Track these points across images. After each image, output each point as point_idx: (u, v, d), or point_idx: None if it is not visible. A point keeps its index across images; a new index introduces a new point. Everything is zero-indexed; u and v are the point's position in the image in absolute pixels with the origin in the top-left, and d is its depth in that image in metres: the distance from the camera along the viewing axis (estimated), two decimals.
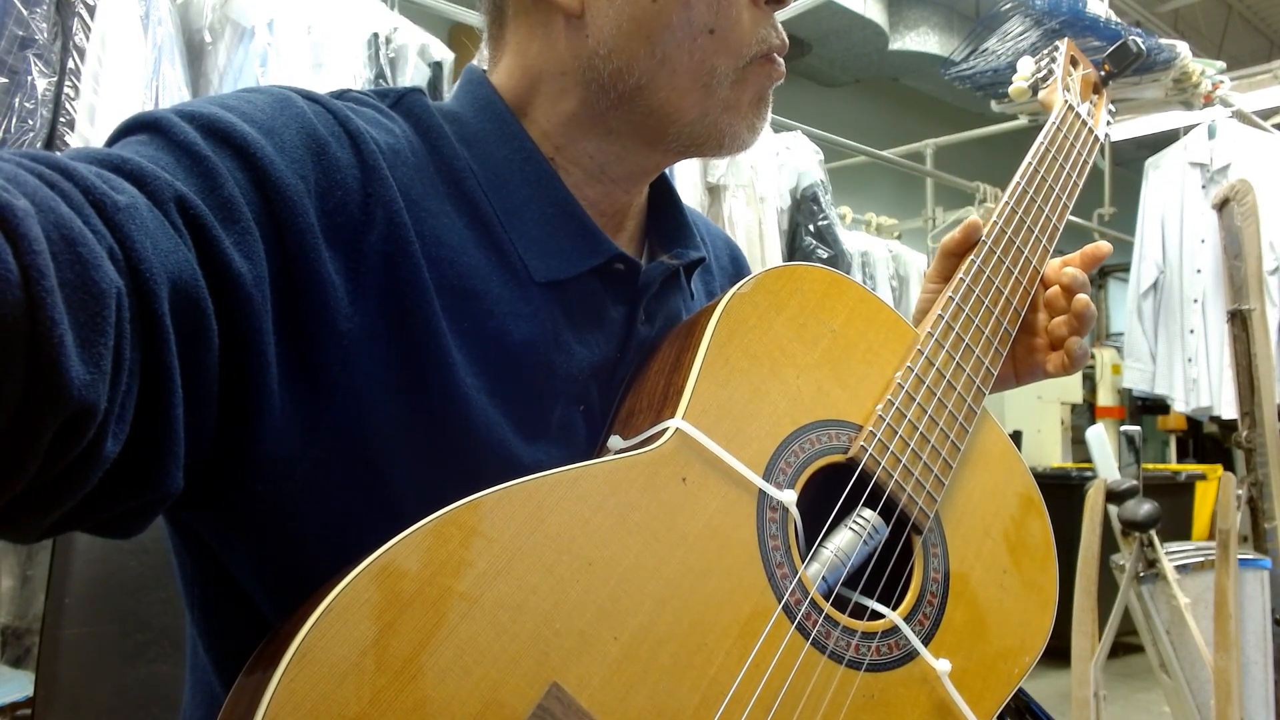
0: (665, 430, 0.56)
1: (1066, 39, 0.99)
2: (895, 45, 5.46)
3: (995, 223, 0.79)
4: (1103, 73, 0.99)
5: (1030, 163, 0.84)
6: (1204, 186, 3.51)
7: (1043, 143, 0.86)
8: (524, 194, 0.64)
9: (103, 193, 0.40)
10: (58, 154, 0.41)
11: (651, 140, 0.66)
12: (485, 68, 0.72)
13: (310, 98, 0.58)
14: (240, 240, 0.48)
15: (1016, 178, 0.82)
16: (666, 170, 0.74)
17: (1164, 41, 3.11)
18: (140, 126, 0.51)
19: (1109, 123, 0.97)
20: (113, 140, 0.51)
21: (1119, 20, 3.07)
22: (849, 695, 0.56)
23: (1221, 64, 3.31)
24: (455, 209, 0.61)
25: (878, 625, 0.60)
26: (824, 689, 0.55)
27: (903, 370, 0.68)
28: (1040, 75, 0.97)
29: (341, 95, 0.61)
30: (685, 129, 0.64)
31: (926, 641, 0.61)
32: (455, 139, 0.64)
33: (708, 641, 0.52)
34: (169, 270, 0.42)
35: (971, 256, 0.76)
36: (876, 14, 5.21)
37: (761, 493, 0.57)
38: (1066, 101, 0.91)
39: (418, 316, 0.56)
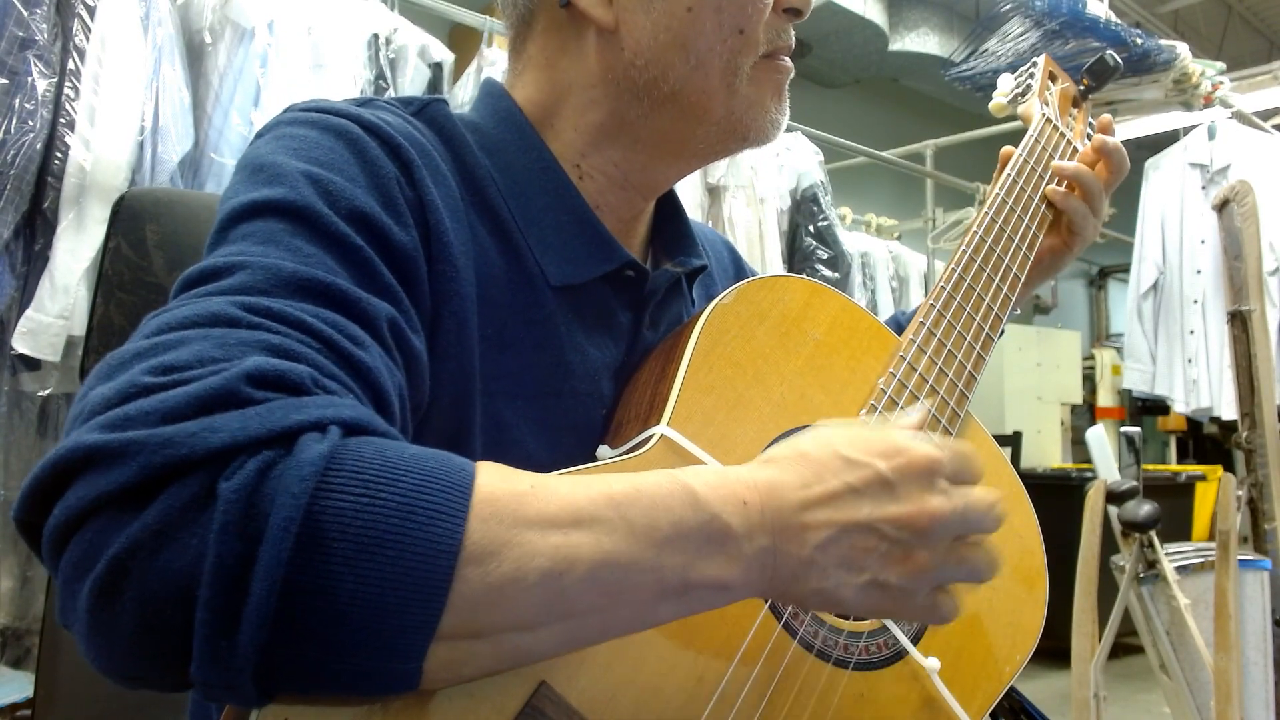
0: (651, 437, 0.57)
1: (1045, 55, 1.00)
2: (895, 46, 5.46)
3: (975, 232, 0.80)
4: (1081, 86, 1.00)
5: (1009, 174, 0.86)
6: (1204, 187, 3.51)
7: (1021, 155, 0.88)
8: (542, 202, 0.66)
9: (350, 351, 0.47)
10: (278, 305, 0.47)
11: (677, 147, 0.69)
12: (501, 77, 0.74)
13: (367, 126, 0.59)
14: (411, 322, 0.54)
15: (995, 189, 0.84)
16: None
17: (1164, 42, 3.10)
18: (280, 212, 0.52)
19: (1089, 135, 0.98)
20: (243, 215, 0.52)
21: (1119, 21, 3.06)
22: (837, 693, 0.57)
23: (1221, 65, 3.30)
24: (478, 215, 0.63)
25: (865, 624, 0.60)
26: (811, 687, 0.55)
27: (885, 375, 0.68)
28: (1019, 90, 0.98)
29: (367, 104, 0.62)
30: (712, 129, 0.67)
31: (915, 640, 0.62)
32: (477, 148, 0.66)
33: (695, 641, 0.52)
34: (397, 389, 0.51)
35: (952, 265, 0.77)
36: (876, 15, 5.21)
37: None
38: (1044, 115, 0.92)
39: (453, 320, 0.58)
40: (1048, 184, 0.88)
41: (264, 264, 0.48)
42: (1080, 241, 0.90)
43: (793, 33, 0.70)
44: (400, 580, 0.38)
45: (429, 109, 0.66)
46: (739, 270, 0.91)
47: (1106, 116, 0.93)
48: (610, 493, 0.44)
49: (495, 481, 0.42)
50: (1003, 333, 0.79)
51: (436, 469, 0.41)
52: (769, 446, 0.61)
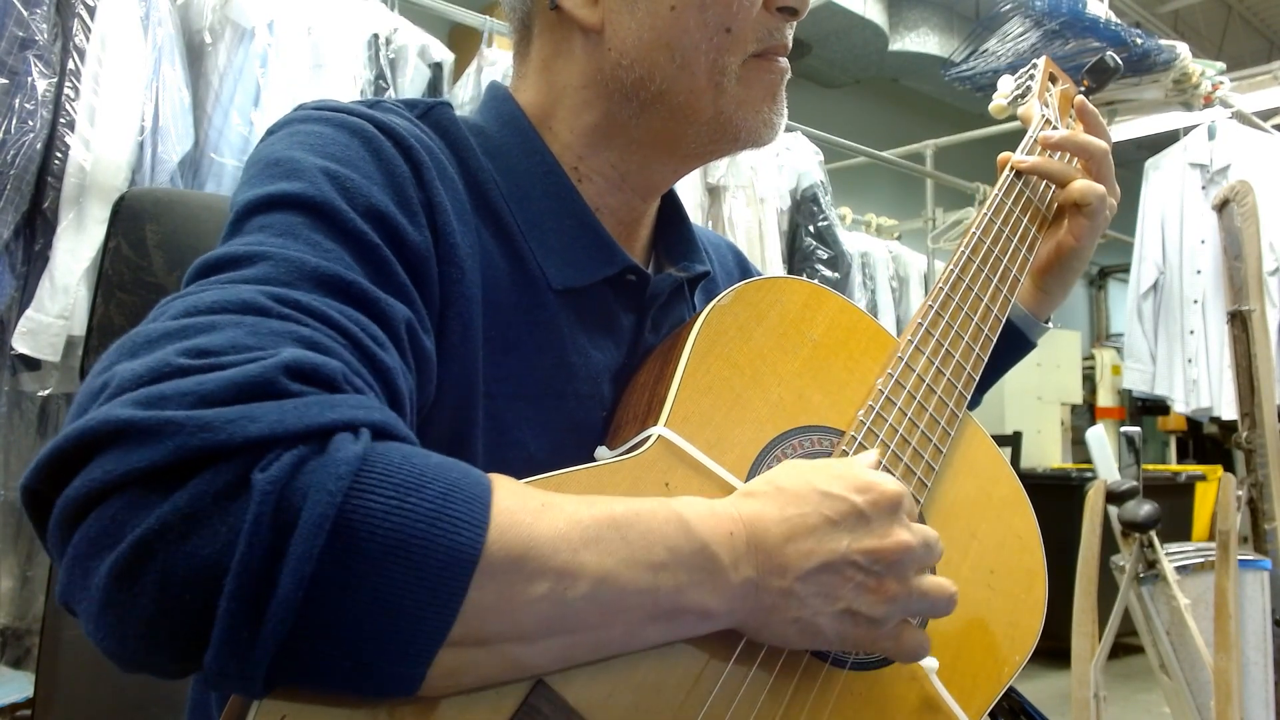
0: (649, 438, 0.57)
1: (1045, 56, 1.00)
2: (895, 46, 5.46)
3: (974, 233, 0.80)
4: (1082, 88, 1.00)
5: (1007, 176, 0.86)
6: (1204, 187, 3.51)
7: (1019, 157, 0.88)
8: (544, 205, 0.66)
9: (374, 352, 0.48)
10: (303, 298, 0.47)
11: (671, 147, 0.69)
12: (508, 80, 0.75)
13: (380, 126, 0.59)
14: (423, 322, 0.55)
15: (994, 191, 0.84)
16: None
17: (1164, 42, 3.11)
18: (299, 206, 0.52)
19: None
20: (261, 207, 0.52)
21: (1119, 21, 3.06)
22: (834, 693, 0.57)
23: (1221, 65, 3.30)
24: (481, 219, 0.63)
25: None
26: (809, 686, 0.56)
27: (883, 376, 0.69)
28: (1019, 92, 0.98)
29: (375, 105, 0.62)
30: (703, 129, 0.67)
31: None
32: (480, 151, 0.66)
33: (692, 639, 0.52)
34: (409, 391, 0.52)
35: (950, 266, 0.77)
36: (876, 15, 5.21)
37: None
38: (1044, 116, 0.92)
39: (458, 321, 0.58)
40: (1055, 194, 0.87)
41: (286, 256, 0.48)
42: (1091, 230, 0.86)
43: (789, 32, 0.69)
44: (421, 584, 0.39)
45: (434, 112, 0.66)
46: (745, 273, 0.90)
47: (1080, 97, 0.92)
48: (613, 515, 0.46)
49: (510, 496, 0.44)
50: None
51: (459, 480, 0.42)
52: (762, 453, 0.61)
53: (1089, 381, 6.56)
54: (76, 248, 1.80)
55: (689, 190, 2.99)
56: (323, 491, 0.38)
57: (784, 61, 0.69)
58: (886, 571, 0.52)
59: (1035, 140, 0.90)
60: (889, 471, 0.65)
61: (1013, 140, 0.93)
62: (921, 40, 5.47)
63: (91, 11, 1.85)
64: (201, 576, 0.37)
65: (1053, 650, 1.47)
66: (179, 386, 0.40)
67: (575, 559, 0.43)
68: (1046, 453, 5.23)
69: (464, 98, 2.49)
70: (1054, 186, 0.88)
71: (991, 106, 1.01)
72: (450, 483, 0.41)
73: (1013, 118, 1.01)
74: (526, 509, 0.43)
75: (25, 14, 1.74)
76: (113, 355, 0.43)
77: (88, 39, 1.83)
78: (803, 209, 3.38)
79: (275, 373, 0.41)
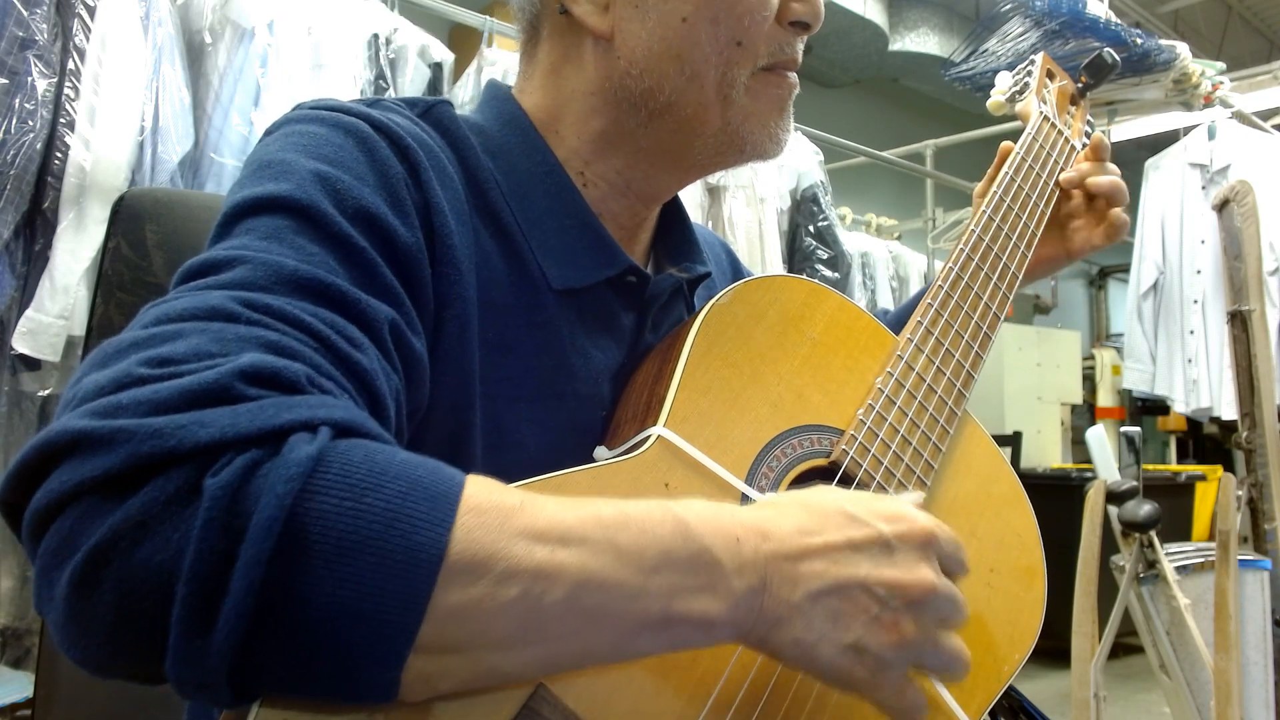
0: (648, 438, 0.57)
1: (1042, 53, 1.00)
2: (895, 46, 5.47)
3: (973, 231, 0.80)
4: (1080, 84, 1.00)
5: (1007, 172, 0.86)
6: (1204, 187, 3.51)
7: (1019, 153, 0.88)
8: (544, 205, 0.66)
9: (347, 353, 0.47)
10: (271, 300, 0.46)
11: (677, 158, 0.68)
12: (508, 79, 0.74)
13: (377, 126, 0.59)
14: (412, 324, 0.54)
15: (994, 187, 0.84)
16: None
17: (1164, 42, 3.10)
18: (285, 209, 0.52)
19: (1087, 133, 0.98)
20: (248, 210, 0.52)
21: (1119, 21, 3.06)
22: (834, 692, 0.57)
23: (1221, 65, 3.30)
24: (481, 218, 0.63)
25: None
26: (809, 686, 0.56)
27: (883, 375, 0.69)
28: (1017, 89, 0.98)
29: (375, 104, 0.62)
30: (710, 140, 0.67)
31: None
32: (481, 150, 0.66)
33: None
34: (393, 392, 0.51)
35: (950, 264, 0.77)
36: (876, 15, 5.21)
37: (744, 496, 0.58)
38: (1042, 113, 0.92)
39: (455, 323, 0.58)
40: (1053, 191, 0.89)
41: (265, 260, 0.48)
42: (1077, 252, 0.91)
43: (799, 47, 0.68)
44: (379, 587, 0.38)
45: (435, 110, 0.66)
46: (736, 272, 0.91)
47: (1099, 135, 0.94)
48: (599, 515, 0.43)
49: (483, 494, 0.42)
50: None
51: (424, 477, 0.41)
52: (761, 452, 0.61)
53: (1089, 381, 6.56)
54: (76, 248, 1.80)
55: (689, 190, 2.99)
56: (271, 494, 0.37)
57: (794, 76, 0.69)
58: (905, 610, 0.48)
59: (1032, 137, 0.90)
60: (890, 473, 0.65)
61: (1013, 139, 0.93)
62: (921, 40, 5.47)
63: (91, 11, 1.85)
64: (156, 584, 0.37)
65: (1053, 650, 1.47)
66: (135, 395, 0.40)
67: (552, 560, 0.41)
68: (1046, 453, 5.22)
69: (464, 98, 2.49)
70: (1052, 186, 0.89)
71: (989, 103, 1.01)
72: (412, 480, 0.40)
73: (1012, 117, 1.01)
74: (500, 508, 0.41)
75: (25, 14, 1.74)
76: (86, 365, 0.43)
77: (88, 39, 1.83)
78: (803, 209, 3.38)
79: (231, 378, 0.40)
